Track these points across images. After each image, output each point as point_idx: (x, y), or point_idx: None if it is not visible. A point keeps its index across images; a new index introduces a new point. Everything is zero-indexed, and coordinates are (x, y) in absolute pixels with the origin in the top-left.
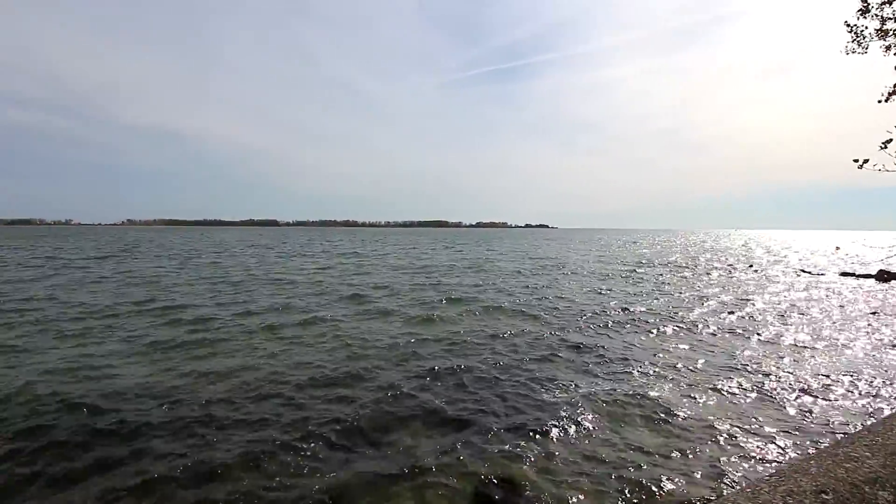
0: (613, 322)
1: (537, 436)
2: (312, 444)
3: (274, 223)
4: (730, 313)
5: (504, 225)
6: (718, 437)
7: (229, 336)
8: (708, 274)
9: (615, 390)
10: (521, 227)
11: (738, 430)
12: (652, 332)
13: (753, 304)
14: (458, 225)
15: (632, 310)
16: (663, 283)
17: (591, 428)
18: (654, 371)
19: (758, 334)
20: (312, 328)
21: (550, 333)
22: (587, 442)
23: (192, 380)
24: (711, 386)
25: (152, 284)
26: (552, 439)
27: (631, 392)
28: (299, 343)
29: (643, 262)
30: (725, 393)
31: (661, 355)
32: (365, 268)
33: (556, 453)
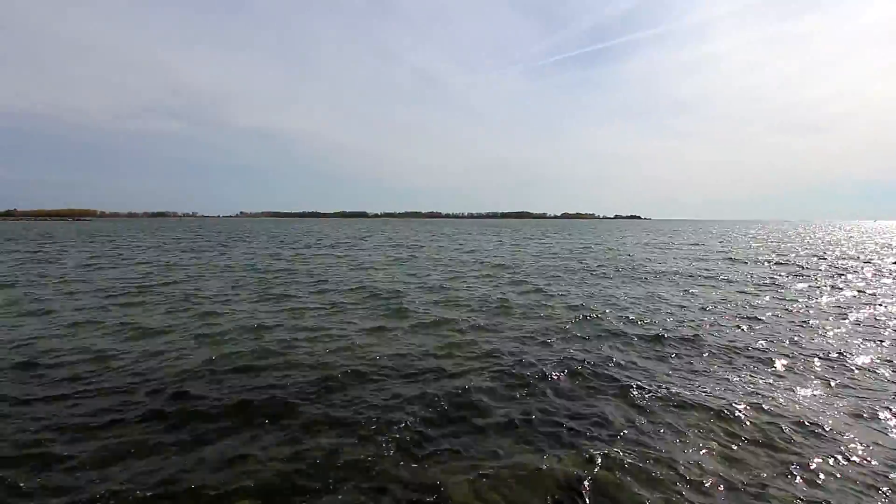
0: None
1: None
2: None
3: (363, 215)
4: None
5: (591, 216)
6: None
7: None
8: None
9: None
10: (609, 217)
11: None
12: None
13: None
14: (543, 216)
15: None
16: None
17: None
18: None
19: None
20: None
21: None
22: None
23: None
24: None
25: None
26: None
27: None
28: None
29: (788, 262)
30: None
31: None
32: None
33: None
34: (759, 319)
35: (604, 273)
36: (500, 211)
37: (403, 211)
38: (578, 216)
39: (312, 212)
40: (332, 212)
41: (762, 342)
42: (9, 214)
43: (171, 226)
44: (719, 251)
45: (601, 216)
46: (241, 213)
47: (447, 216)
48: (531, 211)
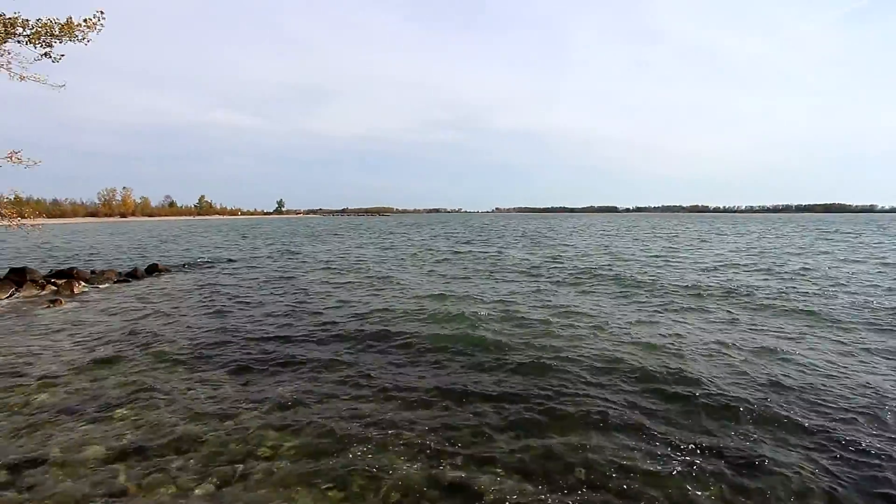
0: None
1: None
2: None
3: (613, 209)
4: None
5: None
6: None
7: None
8: None
9: None
10: None
11: None
12: None
13: None
14: (870, 209)
15: None
16: None
17: None
18: None
19: None
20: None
21: None
22: None
23: None
24: None
25: None
26: None
27: None
28: None
29: None
30: None
31: None
32: None
33: None
34: None
35: None
36: (795, 203)
37: (660, 205)
38: None
39: (561, 207)
40: (581, 206)
41: None
42: (343, 212)
43: (467, 219)
44: None
45: None
46: (496, 208)
47: (714, 210)
48: (848, 203)
